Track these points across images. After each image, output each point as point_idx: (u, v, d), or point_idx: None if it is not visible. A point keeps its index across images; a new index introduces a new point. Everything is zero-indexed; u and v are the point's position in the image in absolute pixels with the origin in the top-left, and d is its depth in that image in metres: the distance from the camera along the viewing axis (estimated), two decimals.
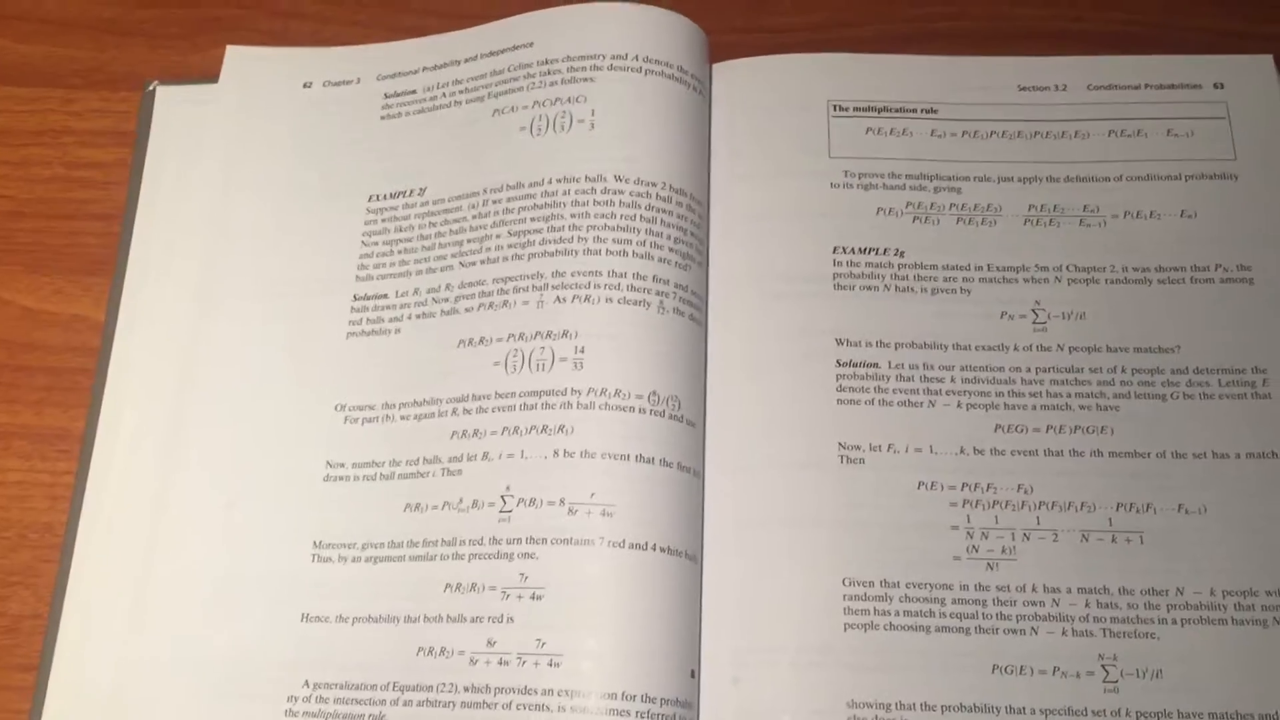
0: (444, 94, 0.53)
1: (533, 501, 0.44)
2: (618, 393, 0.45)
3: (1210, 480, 0.45)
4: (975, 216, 0.50)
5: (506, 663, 0.43)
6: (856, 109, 0.52)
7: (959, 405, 0.47)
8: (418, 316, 0.49)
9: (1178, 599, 0.44)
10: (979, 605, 0.44)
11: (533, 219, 0.48)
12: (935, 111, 0.52)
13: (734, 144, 0.51)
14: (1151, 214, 0.49)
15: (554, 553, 0.43)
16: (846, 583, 0.44)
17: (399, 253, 0.50)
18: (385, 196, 0.51)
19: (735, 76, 0.52)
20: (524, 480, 0.45)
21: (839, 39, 0.55)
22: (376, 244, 0.50)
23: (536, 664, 0.42)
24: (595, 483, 0.44)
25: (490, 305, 0.48)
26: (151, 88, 0.54)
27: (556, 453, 0.45)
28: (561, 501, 0.44)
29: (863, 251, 0.49)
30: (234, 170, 0.52)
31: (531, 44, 0.52)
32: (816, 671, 0.43)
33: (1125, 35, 0.55)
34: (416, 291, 0.49)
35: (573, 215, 0.48)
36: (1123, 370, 0.47)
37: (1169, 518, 0.45)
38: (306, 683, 0.44)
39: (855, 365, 0.47)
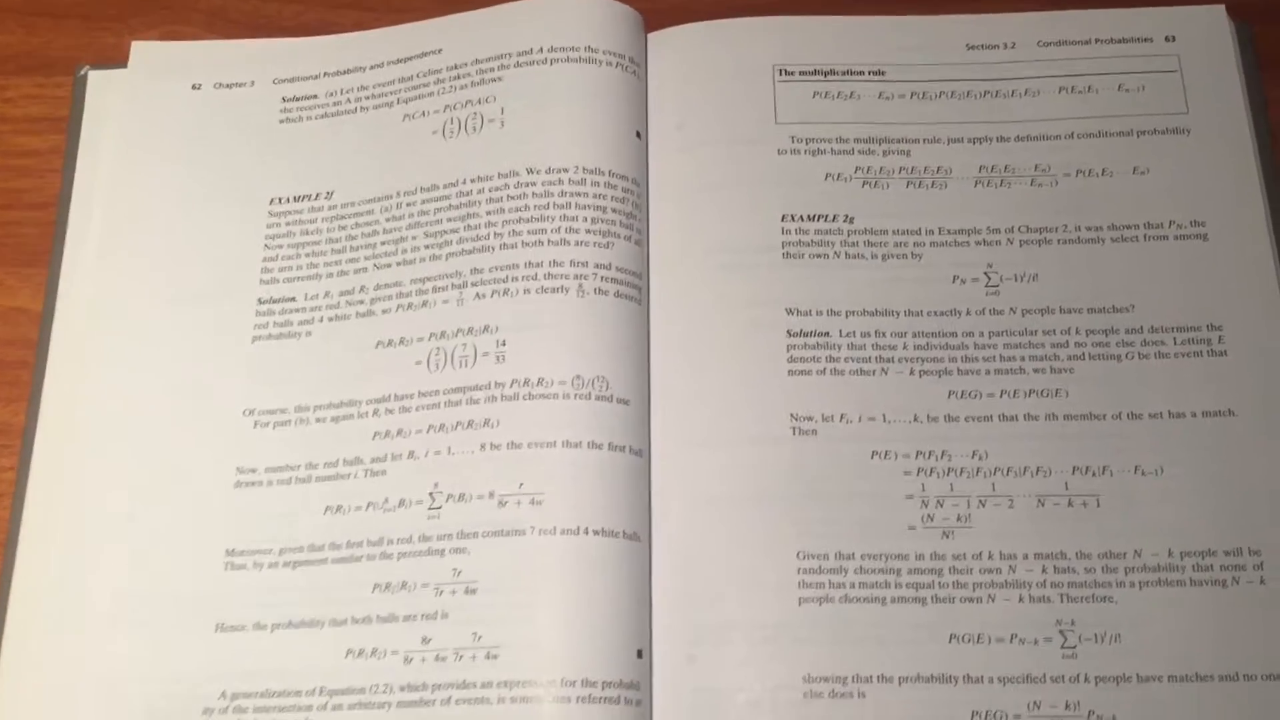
0: (349, 100, 0.52)
1: (462, 497, 0.44)
2: (540, 381, 0.45)
3: (1167, 441, 0.45)
4: (925, 179, 0.49)
5: (443, 659, 0.42)
6: (803, 73, 0.51)
7: (912, 372, 0.46)
8: (330, 319, 0.48)
9: (1135, 561, 0.43)
10: (935, 575, 0.44)
11: (449, 219, 0.48)
12: (883, 73, 0.51)
13: (677, 114, 0.50)
14: (1104, 171, 0.49)
15: (486, 546, 0.43)
16: (801, 556, 0.44)
17: (306, 255, 0.50)
18: (289, 200, 0.51)
19: (675, 44, 0.51)
20: (452, 476, 0.45)
21: (785, 1, 0.54)
22: (281, 247, 0.50)
23: (474, 657, 0.42)
24: (523, 473, 0.44)
25: (409, 306, 0.48)
26: (83, 72, 0.53)
27: (483, 446, 0.45)
28: (491, 494, 0.44)
29: (811, 219, 0.48)
30: (126, 169, 0.51)
31: (440, 50, 0.52)
32: (772, 647, 0.43)
33: None
34: (328, 294, 0.49)
35: (488, 212, 0.48)
36: (1077, 331, 0.46)
37: (1125, 480, 0.44)
38: (224, 694, 0.43)
39: (806, 335, 0.47)
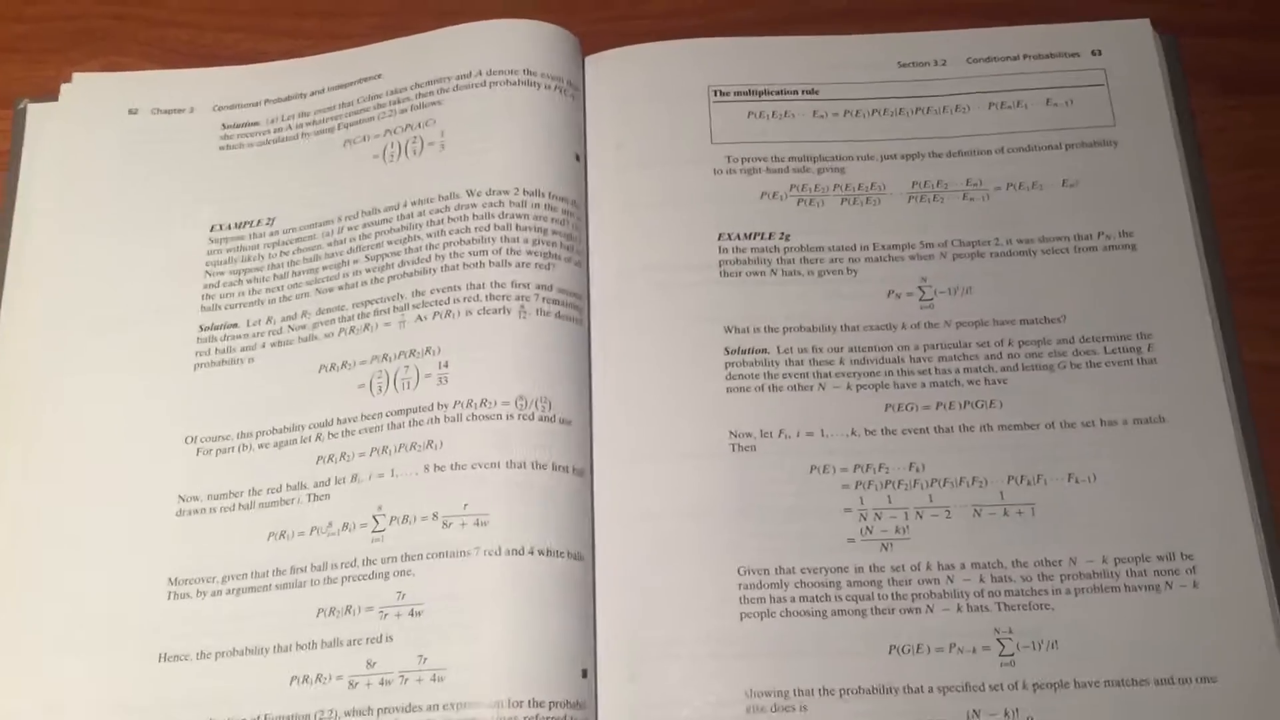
0: (289, 126, 0.52)
1: (405, 519, 0.44)
2: (484, 402, 0.45)
3: (1099, 448, 0.45)
4: (859, 196, 0.50)
5: (388, 682, 0.43)
6: (737, 93, 0.51)
7: (849, 387, 0.47)
8: (272, 344, 0.48)
9: (1071, 569, 0.44)
10: (874, 587, 0.44)
11: (390, 243, 0.49)
12: (816, 92, 0.51)
13: (615, 135, 0.51)
14: (1034, 185, 0.49)
15: (430, 568, 0.44)
16: (741, 571, 0.44)
17: (248, 282, 0.50)
18: (229, 226, 0.51)
19: (612, 67, 0.52)
20: (395, 499, 0.45)
21: (722, 23, 0.54)
22: (222, 274, 0.50)
23: (420, 680, 0.42)
24: (467, 494, 0.44)
25: (351, 330, 0.48)
26: (22, 106, 0.53)
27: (427, 468, 0.45)
28: (435, 516, 0.44)
29: (748, 237, 0.49)
30: (65, 197, 0.51)
31: (380, 75, 0.52)
32: (714, 663, 0.43)
33: (1008, 5, 0.54)
34: (270, 320, 0.49)
35: (429, 235, 0.48)
36: (1010, 343, 0.47)
37: (1060, 488, 0.45)
38: None
39: (744, 352, 0.47)
